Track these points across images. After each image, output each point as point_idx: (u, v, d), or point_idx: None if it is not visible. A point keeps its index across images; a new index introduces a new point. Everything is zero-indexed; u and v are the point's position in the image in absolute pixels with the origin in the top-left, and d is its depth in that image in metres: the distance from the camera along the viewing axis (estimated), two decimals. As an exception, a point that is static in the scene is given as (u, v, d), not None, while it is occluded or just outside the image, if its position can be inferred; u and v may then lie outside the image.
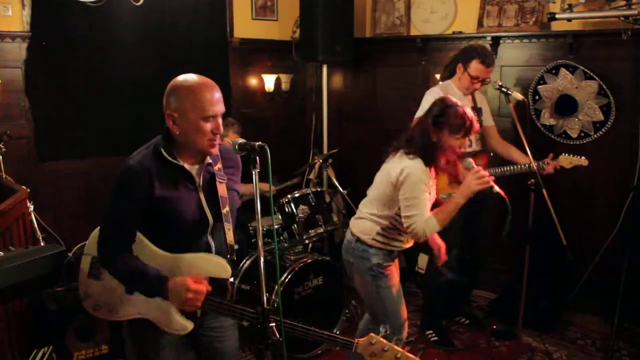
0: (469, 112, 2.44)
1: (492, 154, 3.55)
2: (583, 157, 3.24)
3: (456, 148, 2.44)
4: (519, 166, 3.35)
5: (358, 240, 2.60)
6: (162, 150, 1.86)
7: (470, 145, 3.43)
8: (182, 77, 1.86)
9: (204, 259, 1.93)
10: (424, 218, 2.39)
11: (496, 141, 3.60)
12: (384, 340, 1.82)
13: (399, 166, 2.44)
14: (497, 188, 2.38)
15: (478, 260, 3.71)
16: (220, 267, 1.91)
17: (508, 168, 3.37)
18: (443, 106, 2.44)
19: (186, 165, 1.90)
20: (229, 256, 1.98)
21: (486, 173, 2.36)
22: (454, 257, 3.49)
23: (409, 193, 2.41)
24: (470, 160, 2.44)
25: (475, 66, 3.27)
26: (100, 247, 1.89)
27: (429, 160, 2.43)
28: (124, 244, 1.87)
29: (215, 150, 1.90)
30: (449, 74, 3.45)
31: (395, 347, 1.81)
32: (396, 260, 2.70)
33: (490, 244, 3.71)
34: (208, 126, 1.81)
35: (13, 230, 2.85)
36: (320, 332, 1.89)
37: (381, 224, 2.56)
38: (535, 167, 3.05)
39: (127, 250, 1.88)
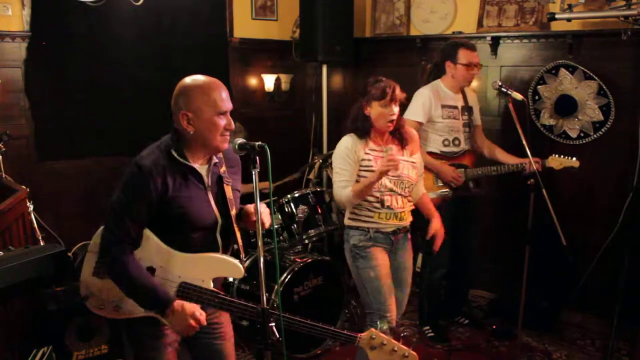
0: (387, 81, 2.68)
1: (479, 154, 3.58)
2: (574, 158, 3.21)
3: (386, 115, 2.64)
4: (504, 166, 3.39)
5: (345, 226, 2.82)
6: (173, 152, 1.90)
7: (458, 145, 3.47)
8: (190, 78, 1.91)
9: (217, 259, 1.96)
10: (342, 185, 2.65)
11: (481, 140, 3.65)
12: (383, 335, 1.97)
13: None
14: (400, 168, 2.61)
15: (470, 259, 3.71)
16: (233, 267, 1.95)
17: (494, 168, 3.41)
18: (368, 83, 2.72)
19: (196, 166, 1.93)
20: (240, 256, 2.02)
21: (396, 158, 2.54)
22: (440, 258, 3.51)
23: (334, 164, 2.73)
24: (391, 146, 2.66)
25: (463, 54, 3.35)
26: (105, 246, 1.86)
27: (363, 132, 2.69)
28: (131, 245, 1.87)
29: (227, 145, 1.95)
30: (435, 76, 3.51)
31: (393, 340, 1.95)
32: (393, 253, 2.77)
33: (475, 244, 3.71)
34: (222, 122, 1.89)
35: (13, 230, 2.85)
36: (325, 328, 1.98)
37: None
38: (527, 167, 3.08)
39: (132, 251, 1.87)
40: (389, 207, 2.67)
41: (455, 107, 3.46)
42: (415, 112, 3.39)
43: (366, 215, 2.69)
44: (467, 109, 3.51)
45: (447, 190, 3.43)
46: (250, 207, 2.04)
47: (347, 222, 2.77)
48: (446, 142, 3.44)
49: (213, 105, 1.86)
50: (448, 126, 3.43)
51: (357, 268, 2.73)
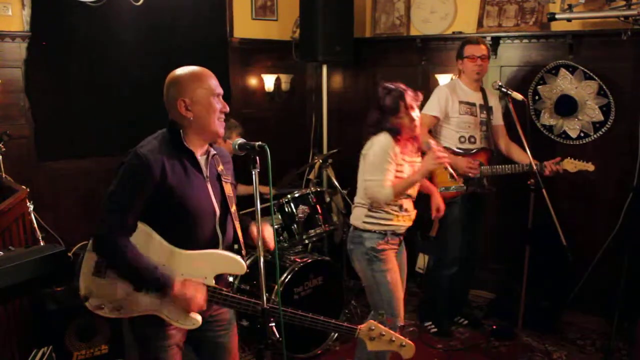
0: (400, 87, 2.65)
1: (494, 152, 3.57)
2: (590, 162, 3.22)
3: (406, 125, 2.62)
4: (519, 165, 3.38)
5: (354, 228, 2.76)
6: (180, 134, 1.92)
7: (474, 142, 3.48)
8: (179, 69, 1.96)
9: (219, 255, 1.96)
10: (381, 184, 2.56)
11: (505, 141, 3.63)
12: (382, 326, 2.05)
13: (369, 143, 2.68)
14: (450, 169, 2.51)
15: (475, 260, 3.72)
16: (236, 263, 1.96)
17: (508, 167, 3.40)
18: (382, 95, 2.67)
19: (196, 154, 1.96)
20: (242, 252, 2.03)
21: (444, 154, 2.49)
22: (454, 254, 3.53)
23: (372, 158, 2.61)
24: (430, 140, 2.61)
25: (467, 49, 3.45)
26: (101, 235, 1.85)
27: (394, 135, 2.63)
28: (125, 232, 1.86)
29: (223, 131, 1.98)
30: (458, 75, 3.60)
31: (390, 331, 2.03)
32: (396, 256, 2.76)
33: (481, 244, 3.72)
34: (218, 104, 1.93)
35: (13, 230, 2.85)
36: (327, 321, 2.07)
37: (366, 204, 2.69)
38: (535, 168, 3.07)
39: (128, 237, 1.87)
40: (405, 210, 2.70)
41: (473, 104, 3.48)
42: (432, 107, 3.44)
43: (384, 218, 2.68)
44: (487, 108, 3.52)
45: (461, 185, 3.43)
46: (254, 229, 2.08)
47: (361, 225, 2.71)
48: (462, 139, 3.46)
49: (208, 87, 1.91)
50: (464, 122, 3.45)
51: (373, 271, 2.69)
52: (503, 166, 3.42)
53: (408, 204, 2.72)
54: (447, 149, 3.42)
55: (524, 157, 3.43)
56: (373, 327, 2.03)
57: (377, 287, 2.70)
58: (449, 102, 3.42)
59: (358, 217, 2.74)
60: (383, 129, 2.64)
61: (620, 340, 3.49)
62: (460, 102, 3.44)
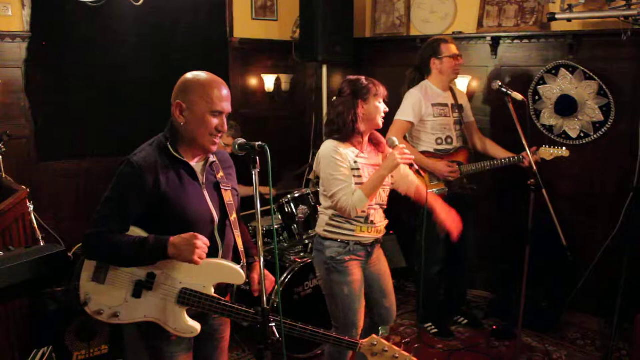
0: (367, 78, 2.59)
1: (472, 151, 3.61)
2: (564, 148, 3.25)
3: (381, 111, 2.54)
4: (497, 161, 3.41)
5: (318, 235, 2.66)
6: (168, 145, 1.90)
7: (451, 143, 3.49)
8: (193, 73, 1.93)
9: (219, 265, 1.94)
10: (348, 191, 2.45)
11: (477, 137, 3.69)
12: (385, 342, 1.95)
13: (315, 160, 2.58)
14: (416, 166, 2.46)
15: (468, 260, 3.72)
16: (235, 273, 1.95)
17: (487, 163, 3.44)
18: (357, 82, 2.56)
19: (190, 163, 1.93)
20: (242, 262, 2.02)
21: (408, 152, 2.43)
22: (435, 255, 3.55)
23: (325, 173, 2.50)
24: (394, 138, 2.52)
25: (445, 48, 3.41)
26: (91, 239, 1.83)
27: (346, 135, 2.51)
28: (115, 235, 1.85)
29: (215, 149, 1.94)
30: (421, 76, 3.53)
31: (394, 347, 1.94)
32: (365, 267, 2.65)
33: (473, 243, 3.71)
34: (214, 121, 1.88)
35: (13, 230, 2.85)
36: (327, 334, 1.99)
37: (328, 213, 2.60)
38: (513, 161, 3.10)
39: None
40: (372, 222, 2.56)
41: (446, 105, 3.49)
42: (406, 112, 3.41)
43: (347, 228, 2.55)
44: (457, 106, 3.54)
45: (443, 187, 3.45)
46: (255, 277, 2.05)
47: (322, 233, 2.60)
48: (439, 141, 3.46)
49: (208, 101, 1.86)
50: (440, 124, 3.46)
51: (331, 282, 2.58)
52: (483, 163, 3.45)
53: (376, 215, 2.58)
54: (425, 152, 3.45)
55: (499, 151, 3.52)
56: (375, 342, 1.95)
57: (333, 298, 2.60)
58: (423, 107, 3.40)
59: (321, 224, 2.63)
60: (333, 131, 2.52)
61: (620, 340, 3.49)
62: (433, 105, 3.43)
